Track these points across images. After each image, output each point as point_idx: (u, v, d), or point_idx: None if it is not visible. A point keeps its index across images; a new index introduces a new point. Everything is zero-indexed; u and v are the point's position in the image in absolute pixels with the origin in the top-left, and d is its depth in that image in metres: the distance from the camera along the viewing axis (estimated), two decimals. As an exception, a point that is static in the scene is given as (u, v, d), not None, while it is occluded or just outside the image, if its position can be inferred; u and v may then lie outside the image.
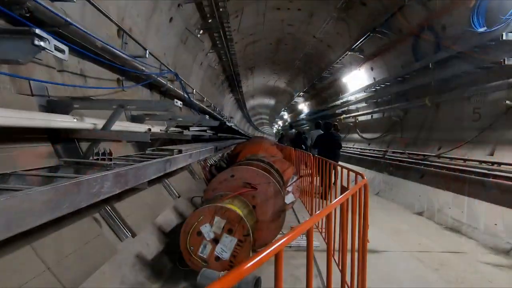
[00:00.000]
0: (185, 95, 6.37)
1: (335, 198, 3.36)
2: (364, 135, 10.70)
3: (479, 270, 3.05)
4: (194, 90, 7.65)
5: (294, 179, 4.74)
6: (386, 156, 8.08)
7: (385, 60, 8.97)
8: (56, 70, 2.75)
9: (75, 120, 2.32)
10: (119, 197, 2.72)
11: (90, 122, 2.47)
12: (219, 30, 7.99)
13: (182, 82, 6.43)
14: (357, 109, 11.53)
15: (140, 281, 2.45)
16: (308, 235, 1.20)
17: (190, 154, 3.74)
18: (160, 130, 3.82)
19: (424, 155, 6.41)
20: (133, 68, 4.01)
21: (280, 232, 3.52)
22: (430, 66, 6.27)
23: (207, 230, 2.66)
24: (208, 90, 11.40)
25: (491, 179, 4.52)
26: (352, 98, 11.42)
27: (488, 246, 3.74)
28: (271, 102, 29.79)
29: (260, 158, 4.94)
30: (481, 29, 4.98)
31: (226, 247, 2.67)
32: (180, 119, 4.40)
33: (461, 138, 5.63)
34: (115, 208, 2.63)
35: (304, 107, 21.28)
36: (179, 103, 2.48)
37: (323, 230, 3.89)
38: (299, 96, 19.87)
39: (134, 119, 3.99)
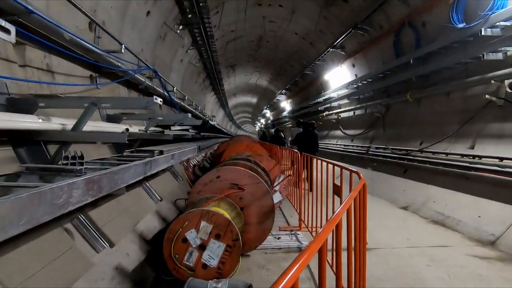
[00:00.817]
0: (165, 93, 6.08)
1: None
2: (347, 132, 10.80)
3: (469, 264, 3.06)
4: (175, 88, 7.36)
5: (281, 178, 4.62)
6: (369, 152, 8.16)
7: (366, 56, 9.05)
8: (17, 64, 2.46)
9: (40, 120, 2.07)
10: (94, 204, 2.48)
11: (58, 122, 2.22)
12: (200, 26, 7.73)
13: (161, 79, 6.14)
14: (339, 106, 11.62)
15: (120, 295, 2.23)
16: (321, 261, 1.00)
17: (172, 155, 3.52)
18: (139, 130, 3.57)
19: (407, 150, 6.51)
20: (107, 64, 3.73)
21: (270, 234, 3.39)
22: (411, 62, 6.34)
23: (193, 236, 2.48)
24: (189, 88, 11.08)
25: (473, 172, 4.62)
26: (334, 95, 11.49)
27: (473, 239, 3.79)
28: (254, 100, 29.65)
29: (246, 157, 4.78)
30: (460, 25, 5.07)
31: (213, 254, 2.50)
32: (161, 118, 4.15)
33: (443, 132, 5.74)
34: (90, 216, 2.38)
35: (286, 104, 21.30)
36: (159, 100, 2.27)
37: (313, 230, 3.80)
38: (281, 93, 19.84)
39: (110, 118, 3.72)
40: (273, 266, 3.01)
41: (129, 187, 3.41)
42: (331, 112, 12.26)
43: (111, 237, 2.52)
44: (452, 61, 5.34)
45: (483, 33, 4.56)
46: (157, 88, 5.93)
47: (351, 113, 10.73)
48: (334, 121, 12.09)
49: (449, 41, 5.29)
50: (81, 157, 2.04)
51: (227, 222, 2.49)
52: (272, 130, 13.21)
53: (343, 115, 11.37)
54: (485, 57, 4.62)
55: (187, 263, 2.48)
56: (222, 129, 15.83)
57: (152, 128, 4.14)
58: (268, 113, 29.75)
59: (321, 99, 12.90)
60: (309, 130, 7.77)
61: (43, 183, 1.41)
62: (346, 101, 10.85)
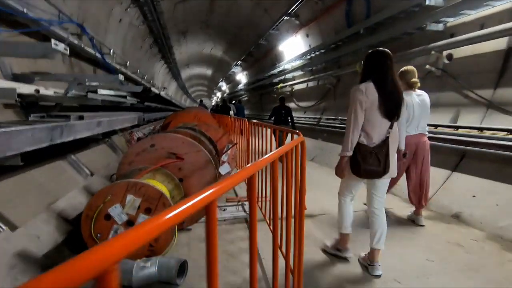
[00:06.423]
0: (98, 54, 5.30)
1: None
2: (301, 104, 10.85)
3: (405, 224, 3.26)
4: (111, 51, 6.48)
5: (229, 148, 4.39)
6: (320, 123, 8.30)
7: (320, 26, 8.92)
8: None
9: None
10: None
11: None
12: (139, -21, 6.78)
13: (93, 38, 5.30)
14: (293, 78, 11.54)
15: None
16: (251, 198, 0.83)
17: (98, 121, 3.03)
18: (54, 92, 2.98)
19: (354, 120, 6.68)
20: (6, 7, 2.97)
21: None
22: (361, 32, 6.34)
23: (118, 212, 2.15)
24: (133, 55, 9.99)
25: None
26: (288, 66, 11.33)
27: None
28: (209, 72, 28.39)
29: (191, 126, 4.42)
30: (407, -6, 5.08)
31: (145, 230, 2.21)
32: (87, 80, 3.55)
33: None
34: (-21, 195, 1.91)
35: (242, 77, 20.77)
36: (61, 46, 1.79)
37: (262, 200, 3.69)
38: (236, 65, 19.18)
39: (16, 78, 3.05)
40: (216, 238, 2.84)
41: (47, 159, 2.89)
42: (285, 84, 12.16)
43: (13, 218, 2.08)
44: (398, 32, 5.41)
45: (427, 3, 4.62)
46: (87, 48, 5.11)
47: (304, 85, 10.73)
48: (288, 93, 12.05)
49: (396, 10, 5.32)
50: None
51: (158, 194, 2.19)
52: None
53: (296, 87, 11.34)
54: (427, 27, 4.73)
55: (113, 242, 2.17)
56: (173, 101, 14.89)
57: (75, 92, 3.54)
58: (224, 86, 28.88)
59: (275, 71, 12.69)
60: (227, 104, 12.36)
61: None
62: (300, 72, 10.78)
